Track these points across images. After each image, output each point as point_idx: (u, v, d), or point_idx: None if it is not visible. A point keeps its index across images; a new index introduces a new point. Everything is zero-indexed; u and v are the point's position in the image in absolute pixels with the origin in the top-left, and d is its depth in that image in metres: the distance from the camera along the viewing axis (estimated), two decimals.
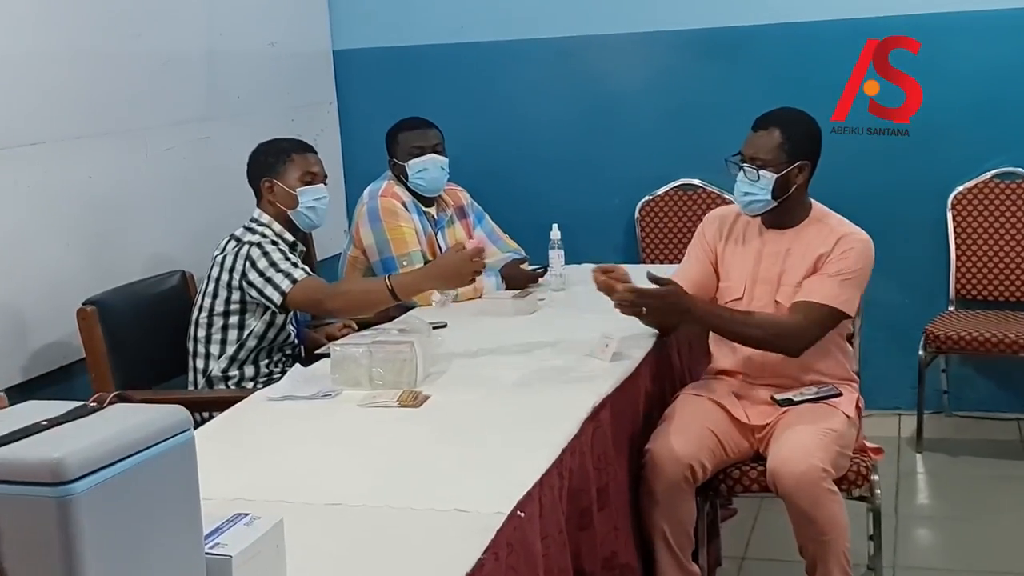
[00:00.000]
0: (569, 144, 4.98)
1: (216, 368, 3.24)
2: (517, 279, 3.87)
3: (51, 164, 3.37)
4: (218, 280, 3.23)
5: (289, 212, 3.33)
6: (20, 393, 3.01)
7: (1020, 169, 4.52)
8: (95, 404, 1.53)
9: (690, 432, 2.91)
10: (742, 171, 2.99)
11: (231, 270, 3.20)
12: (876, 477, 3.07)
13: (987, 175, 4.55)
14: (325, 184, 3.39)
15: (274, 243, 3.22)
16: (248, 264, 3.18)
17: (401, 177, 3.90)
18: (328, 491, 2.16)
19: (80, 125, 3.51)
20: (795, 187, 3.00)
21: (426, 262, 3.81)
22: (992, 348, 4.20)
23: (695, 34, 4.78)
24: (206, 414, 2.96)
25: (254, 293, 3.18)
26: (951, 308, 4.60)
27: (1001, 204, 4.52)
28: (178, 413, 1.53)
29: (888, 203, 4.45)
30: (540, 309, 3.63)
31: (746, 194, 3.01)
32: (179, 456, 1.51)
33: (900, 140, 4.55)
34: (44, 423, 1.44)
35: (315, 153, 3.42)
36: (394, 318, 3.61)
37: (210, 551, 1.59)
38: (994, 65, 4.48)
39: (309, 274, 3.18)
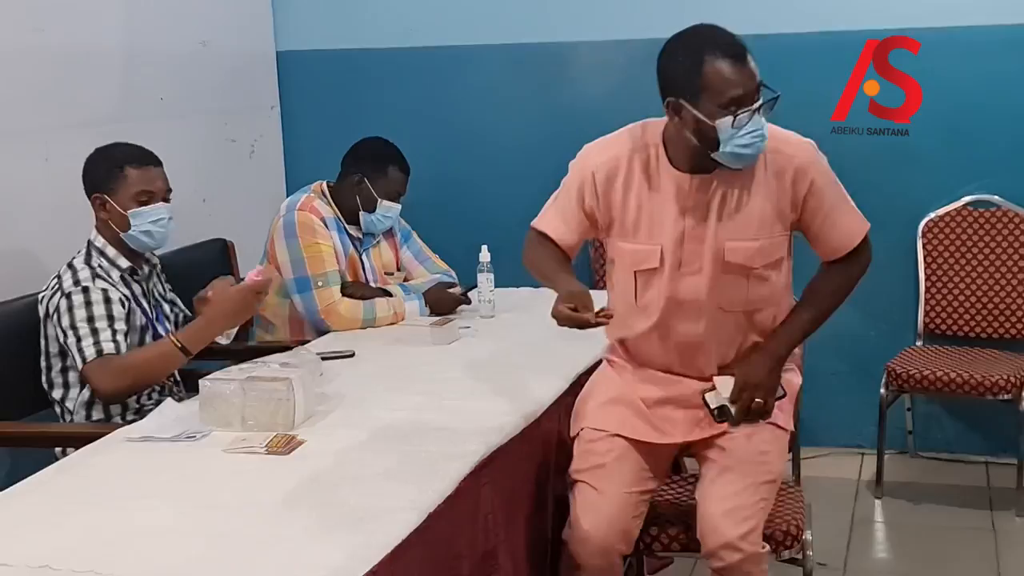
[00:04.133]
0: (523, 156, 4.71)
1: (76, 400, 2.95)
2: (442, 303, 3.60)
3: None
4: (44, 320, 2.95)
5: (121, 235, 3.01)
6: None
7: (995, 197, 4.23)
8: None
9: (611, 508, 2.56)
10: (757, 112, 2.40)
11: (46, 316, 2.94)
12: (809, 536, 2.78)
13: (961, 202, 4.27)
14: (167, 202, 3.06)
15: (103, 290, 2.90)
16: (58, 316, 2.89)
17: (358, 198, 3.63)
18: (148, 560, 1.89)
19: None
20: None
21: (345, 284, 3.55)
22: (957, 389, 3.91)
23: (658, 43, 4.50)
24: (71, 449, 2.69)
25: (70, 343, 2.89)
26: (918, 343, 4.31)
27: (975, 233, 4.23)
28: None
29: None
30: (461, 338, 3.35)
31: (765, 137, 2.43)
32: None
33: (873, 163, 4.28)
34: None
35: (158, 165, 3.07)
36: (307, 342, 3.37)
37: None
38: (968, 89, 4.21)
39: (117, 349, 2.85)
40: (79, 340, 2.86)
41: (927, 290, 4.31)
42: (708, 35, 2.44)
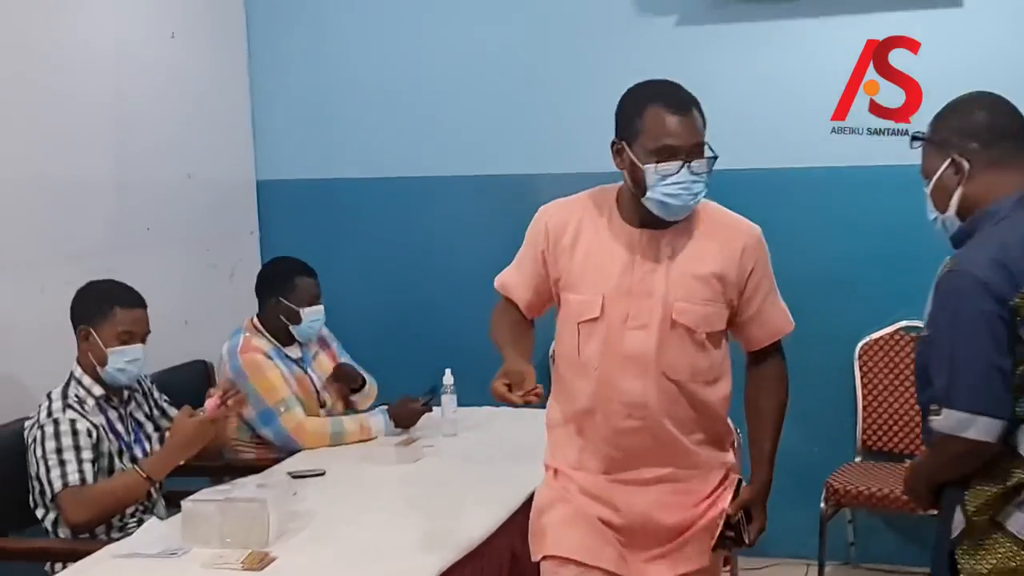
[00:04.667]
0: (487, 280, 4.92)
1: (61, 521, 3.16)
2: (405, 417, 3.86)
3: None
4: (27, 448, 3.16)
5: (98, 368, 3.23)
6: None
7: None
8: None
9: None
10: (686, 168, 2.40)
11: (27, 445, 3.16)
12: None
13: (894, 327, 4.58)
14: (143, 343, 3.29)
15: (71, 421, 3.12)
16: (33, 446, 3.12)
17: (282, 317, 3.89)
18: None
19: None
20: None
21: (302, 402, 3.80)
22: (891, 504, 4.17)
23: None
24: (59, 565, 2.92)
25: (40, 473, 3.10)
26: (857, 459, 4.58)
27: (907, 356, 4.53)
28: None
29: (799, 349, 4.45)
30: (424, 457, 3.60)
31: (696, 195, 2.43)
32: None
33: (810, 285, 4.54)
34: None
35: (142, 307, 3.31)
36: (282, 460, 3.61)
37: None
38: (899, 218, 4.52)
39: (83, 478, 3.07)
40: (48, 471, 3.07)
41: (864, 408, 4.58)
42: (660, 86, 2.49)
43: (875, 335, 4.59)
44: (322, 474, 3.41)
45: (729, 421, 2.67)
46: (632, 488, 2.55)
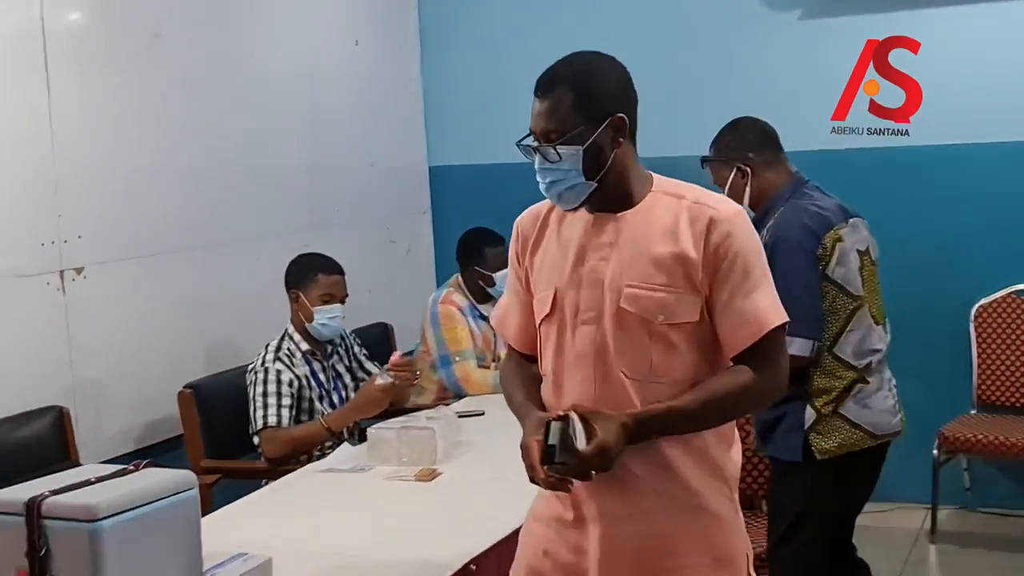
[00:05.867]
0: None
1: None
2: None
3: (164, 272, 4.13)
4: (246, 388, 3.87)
5: (307, 324, 3.90)
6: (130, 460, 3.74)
7: None
8: (133, 467, 2.21)
9: None
10: (538, 155, 2.19)
11: (246, 386, 3.85)
12: None
13: (1007, 291, 4.95)
14: (343, 303, 3.94)
15: (277, 372, 3.77)
16: (248, 387, 3.81)
17: (479, 281, 4.53)
18: (327, 544, 2.83)
19: (197, 236, 4.28)
20: (614, 152, 2.18)
21: (480, 355, 4.45)
22: (1004, 451, 4.58)
23: None
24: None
25: (250, 411, 3.79)
26: (972, 411, 4.99)
27: (1019, 317, 4.91)
28: (187, 476, 2.20)
29: (913, 313, 4.88)
30: None
31: (551, 183, 2.19)
32: (184, 507, 2.17)
33: (926, 256, 4.89)
34: (93, 479, 2.12)
35: (340, 274, 3.97)
36: (449, 403, 4.28)
37: None
38: (1011, 192, 4.88)
39: (279, 421, 3.73)
40: (255, 410, 3.78)
41: (979, 366, 5.00)
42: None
43: (989, 298, 4.97)
44: (482, 414, 4.05)
45: (733, 454, 2.26)
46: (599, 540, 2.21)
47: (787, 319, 2.19)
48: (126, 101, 3.98)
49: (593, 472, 2.07)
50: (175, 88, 4.18)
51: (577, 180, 2.17)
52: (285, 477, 3.44)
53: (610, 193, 2.21)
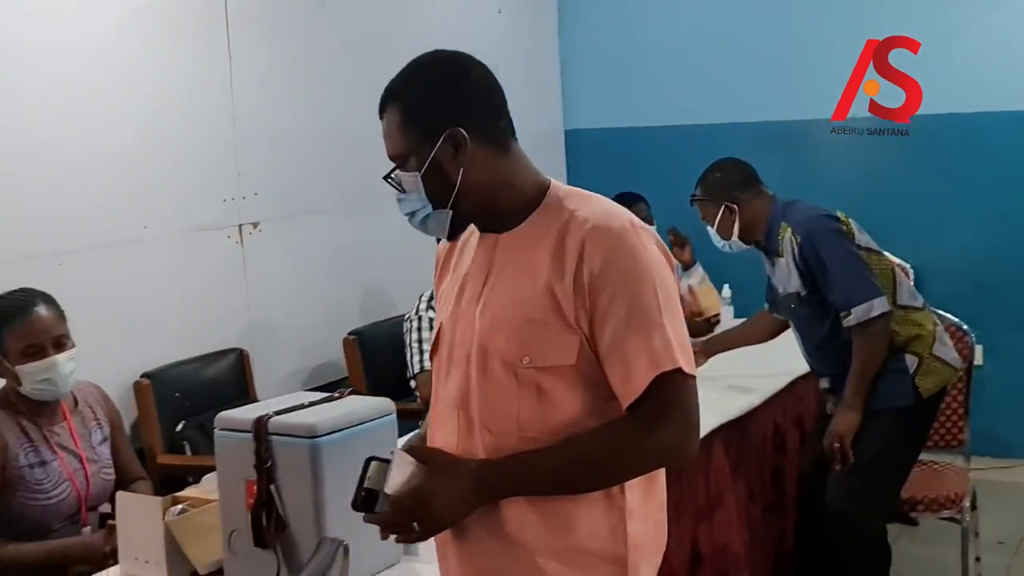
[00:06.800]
0: None
1: None
2: (693, 331, 4.61)
3: (327, 227, 4.46)
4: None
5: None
6: None
7: None
8: (338, 395, 2.49)
9: None
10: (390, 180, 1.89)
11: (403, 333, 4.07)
12: (967, 503, 3.67)
13: None
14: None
15: (430, 319, 3.90)
16: (404, 334, 3.99)
17: None
18: None
19: (355, 195, 4.58)
20: (461, 168, 1.82)
21: None
22: None
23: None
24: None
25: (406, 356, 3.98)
26: None
27: None
28: (387, 403, 2.47)
29: None
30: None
31: (409, 215, 1.90)
32: (383, 431, 2.43)
33: None
34: (307, 403, 2.40)
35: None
36: None
37: None
38: None
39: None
40: (411, 356, 4.04)
41: None
42: None
43: None
44: None
45: (634, 527, 1.82)
46: None
47: (682, 363, 1.73)
48: (296, 67, 4.30)
49: (416, 527, 1.76)
50: (336, 55, 4.49)
51: (428, 209, 1.85)
52: None
53: (477, 216, 1.86)
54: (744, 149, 5.59)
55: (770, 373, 3.86)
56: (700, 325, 4.68)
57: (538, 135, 5.94)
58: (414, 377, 4.04)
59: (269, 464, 2.28)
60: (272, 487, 2.27)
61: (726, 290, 4.59)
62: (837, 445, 3.34)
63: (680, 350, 1.74)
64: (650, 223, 4.73)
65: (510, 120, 1.93)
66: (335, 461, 2.29)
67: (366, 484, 1.78)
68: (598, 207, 1.82)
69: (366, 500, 1.78)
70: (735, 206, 3.55)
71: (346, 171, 4.53)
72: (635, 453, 1.74)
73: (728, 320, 4.62)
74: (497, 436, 1.80)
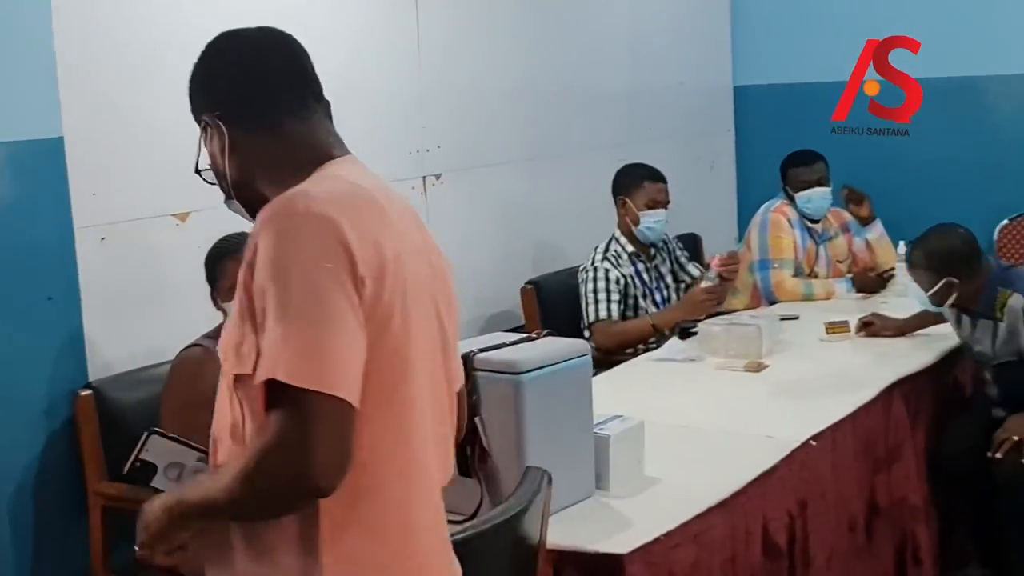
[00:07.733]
0: (944, 175, 5.53)
1: None
2: (867, 285, 4.66)
3: (503, 180, 4.58)
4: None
5: (633, 228, 4.20)
6: None
7: None
8: (536, 335, 2.61)
9: None
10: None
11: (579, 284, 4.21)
12: None
13: None
14: (666, 208, 4.21)
15: (605, 271, 4.10)
16: (580, 285, 4.15)
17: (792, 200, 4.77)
18: (674, 418, 3.17)
19: (531, 148, 4.70)
20: (228, 160, 1.72)
21: (800, 267, 4.67)
22: None
23: None
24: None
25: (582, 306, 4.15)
26: None
27: None
28: (582, 344, 2.59)
29: None
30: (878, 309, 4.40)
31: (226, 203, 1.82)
32: (579, 370, 2.55)
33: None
34: (507, 343, 2.53)
35: (664, 182, 4.23)
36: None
37: (597, 431, 2.61)
38: None
39: (609, 315, 4.06)
40: (586, 305, 4.16)
41: None
42: None
43: None
44: (797, 318, 4.30)
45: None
46: None
47: (286, 371, 1.45)
48: (479, 25, 4.42)
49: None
50: (518, 13, 4.59)
51: (225, 198, 1.77)
52: (621, 365, 3.81)
53: (261, 204, 1.63)
54: (920, 105, 5.57)
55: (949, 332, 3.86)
56: (874, 281, 4.69)
57: (707, 92, 5.96)
58: (588, 327, 4.15)
59: (475, 397, 2.41)
60: (477, 419, 2.41)
61: (901, 246, 4.55)
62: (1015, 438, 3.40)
63: (304, 358, 1.48)
64: (826, 184, 4.72)
65: (301, 95, 1.76)
66: (537, 397, 2.42)
67: (142, 456, 1.75)
68: (286, 192, 1.60)
69: (142, 471, 1.75)
70: (957, 281, 3.52)
71: (524, 124, 4.64)
72: (241, 467, 1.51)
73: (903, 274, 4.58)
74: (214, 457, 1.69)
